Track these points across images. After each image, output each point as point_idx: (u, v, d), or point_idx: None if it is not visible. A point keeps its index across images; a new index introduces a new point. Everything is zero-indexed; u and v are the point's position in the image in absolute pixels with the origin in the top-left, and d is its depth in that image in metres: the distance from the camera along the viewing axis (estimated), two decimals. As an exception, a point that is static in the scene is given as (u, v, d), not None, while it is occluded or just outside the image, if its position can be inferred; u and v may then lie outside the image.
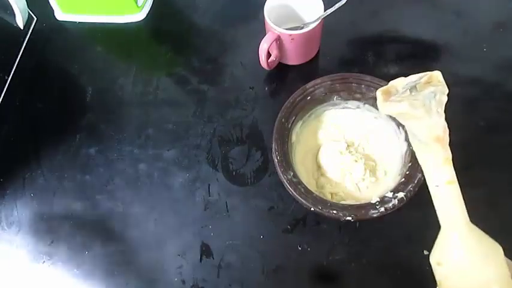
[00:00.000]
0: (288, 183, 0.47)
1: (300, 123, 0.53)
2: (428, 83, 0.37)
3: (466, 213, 0.36)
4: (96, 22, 0.69)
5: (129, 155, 0.59)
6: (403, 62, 0.61)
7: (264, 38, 0.55)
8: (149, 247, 0.53)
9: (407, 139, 0.49)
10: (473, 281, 0.34)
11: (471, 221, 0.51)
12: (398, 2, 0.66)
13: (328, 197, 0.50)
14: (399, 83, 0.38)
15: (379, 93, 0.38)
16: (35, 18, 0.70)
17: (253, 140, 0.58)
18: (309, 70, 0.61)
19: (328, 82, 0.52)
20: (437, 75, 0.38)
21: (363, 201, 0.47)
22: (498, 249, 0.35)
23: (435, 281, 0.37)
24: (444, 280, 0.36)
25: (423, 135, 0.36)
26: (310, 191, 0.47)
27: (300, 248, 0.51)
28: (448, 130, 0.37)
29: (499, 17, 0.63)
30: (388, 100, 0.37)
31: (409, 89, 0.37)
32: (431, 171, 0.36)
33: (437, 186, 0.36)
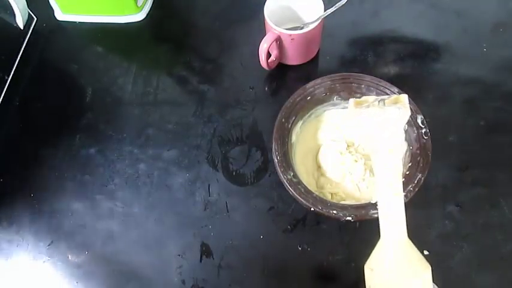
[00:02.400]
0: (288, 183, 0.47)
1: (300, 123, 0.53)
2: (395, 103, 0.41)
3: (405, 228, 0.38)
4: (96, 22, 0.69)
5: (129, 155, 0.59)
6: (403, 62, 0.61)
7: (264, 38, 0.55)
8: (149, 247, 0.53)
9: (407, 139, 0.49)
10: (413, 284, 0.36)
11: (473, 220, 0.51)
12: (398, 2, 0.66)
13: (328, 197, 0.50)
14: (371, 98, 0.43)
15: (352, 100, 0.43)
16: (35, 18, 0.70)
17: (253, 140, 0.58)
18: (309, 70, 0.61)
19: (328, 82, 0.52)
20: (403, 98, 0.42)
21: (363, 201, 0.47)
22: (427, 269, 0.37)
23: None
24: (373, 286, 0.38)
25: (382, 145, 0.40)
26: (310, 191, 0.47)
27: (300, 248, 0.51)
28: (405, 147, 0.43)
29: (499, 17, 0.63)
30: (358, 107, 0.43)
31: (378, 102, 0.42)
32: (384, 181, 0.39)
33: (386, 196, 0.39)
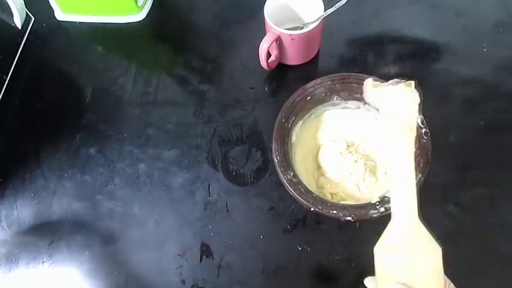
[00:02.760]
0: (288, 183, 0.47)
1: (300, 123, 0.53)
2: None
3: (417, 208, 0.38)
4: (96, 22, 0.69)
5: (129, 155, 0.59)
6: (403, 62, 0.61)
7: (264, 38, 0.55)
8: (149, 247, 0.53)
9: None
10: (424, 263, 0.36)
11: (473, 220, 0.51)
12: (398, 2, 0.66)
13: (328, 197, 0.50)
14: (383, 82, 0.44)
15: (369, 80, 0.45)
16: (33, 18, 0.70)
17: (253, 140, 0.58)
18: (309, 70, 0.61)
19: (328, 82, 0.52)
20: (412, 83, 0.42)
21: (362, 201, 0.47)
22: (437, 249, 0.37)
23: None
24: (394, 266, 0.37)
25: (398, 123, 0.40)
26: (310, 191, 0.47)
27: (300, 248, 0.51)
28: (418, 128, 0.41)
29: (499, 17, 0.63)
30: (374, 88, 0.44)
31: (394, 82, 0.43)
32: (399, 161, 0.39)
33: (403, 176, 0.38)
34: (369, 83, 0.45)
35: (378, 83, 0.45)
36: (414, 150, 0.39)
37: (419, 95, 0.41)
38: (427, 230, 0.37)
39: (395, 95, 0.41)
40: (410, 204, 0.38)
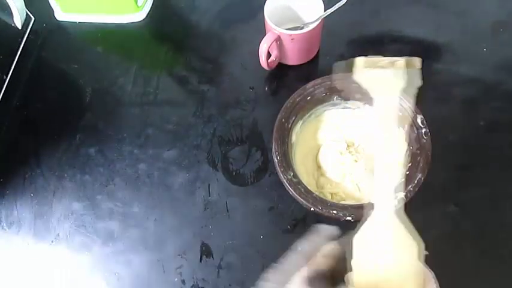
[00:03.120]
0: (288, 183, 0.47)
1: (300, 123, 0.53)
2: (407, 67, 0.40)
3: (394, 199, 0.37)
4: (96, 22, 0.69)
5: (129, 155, 0.59)
6: (403, 62, 0.61)
7: (264, 38, 0.55)
8: (149, 247, 0.53)
9: (407, 139, 0.49)
10: (398, 258, 0.35)
11: (473, 220, 0.51)
12: (398, 2, 0.66)
13: (328, 197, 0.50)
14: (378, 58, 0.41)
15: (361, 58, 0.40)
16: (33, 18, 0.70)
17: (253, 140, 0.58)
18: (309, 70, 0.61)
19: (328, 82, 0.52)
20: (417, 61, 0.40)
21: (362, 201, 0.47)
22: (413, 246, 0.35)
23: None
24: (360, 258, 0.36)
25: (386, 110, 0.38)
26: (310, 191, 0.47)
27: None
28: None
29: (499, 17, 0.63)
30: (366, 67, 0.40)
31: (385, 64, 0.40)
32: (384, 146, 0.37)
33: (384, 161, 0.37)
34: (361, 62, 0.40)
35: (371, 61, 0.41)
36: (396, 141, 0.38)
37: (414, 78, 0.39)
38: (405, 224, 0.36)
39: (382, 79, 0.39)
40: (388, 195, 0.37)
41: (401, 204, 0.37)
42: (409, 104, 0.49)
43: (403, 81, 0.39)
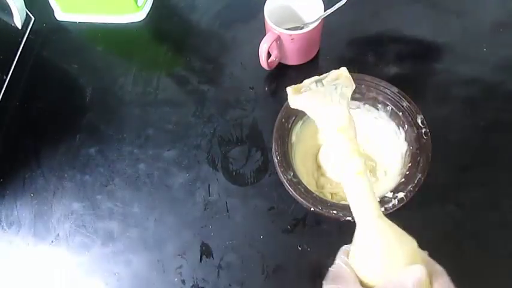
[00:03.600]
0: (288, 183, 0.47)
1: (300, 123, 0.53)
2: (337, 79, 0.40)
3: (377, 205, 0.35)
4: (96, 22, 0.69)
5: (129, 155, 0.59)
6: (403, 62, 0.61)
7: (264, 38, 0.55)
8: (149, 247, 0.53)
9: (407, 139, 0.49)
10: (387, 263, 0.32)
11: (473, 220, 0.50)
12: (398, 2, 0.66)
13: (328, 197, 0.50)
14: (307, 81, 0.41)
15: (289, 89, 0.41)
16: (33, 18, 0.70)
17: (253, 140, 0.58)
18: (309, 70, 0.61)
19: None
20: (343, 71, 0.41)
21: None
22: (412, 242, 0.34)
23: None
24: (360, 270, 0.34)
25: (328, 126, 0.38)
26: (310, 191, 0.47)
27: (300, 248, 0.51)
28: (353, 122, 0.38)
29: (499, 17, 0.63)
30: (296, 95, 0.41)
31: (315, 82, 0.41)
32: (341, 162, 0.36)
33: (347, 177, 0.36)
34: (289, 91, 0.42)
35: (299, 86, 0.42)
36: (355, 146, 0.36)
37: (351, 80, 0.40)
38: (392, 228, 0.34)
39: (311, 100, 0.39)
40: (367, 204, 0.34)
41: (381, 209, 0.35)
42: (408, 104, 0.49)
43: (336, 92, 0.39)
